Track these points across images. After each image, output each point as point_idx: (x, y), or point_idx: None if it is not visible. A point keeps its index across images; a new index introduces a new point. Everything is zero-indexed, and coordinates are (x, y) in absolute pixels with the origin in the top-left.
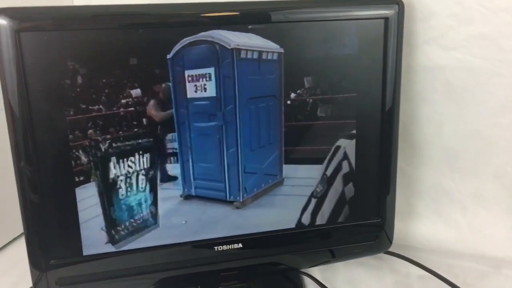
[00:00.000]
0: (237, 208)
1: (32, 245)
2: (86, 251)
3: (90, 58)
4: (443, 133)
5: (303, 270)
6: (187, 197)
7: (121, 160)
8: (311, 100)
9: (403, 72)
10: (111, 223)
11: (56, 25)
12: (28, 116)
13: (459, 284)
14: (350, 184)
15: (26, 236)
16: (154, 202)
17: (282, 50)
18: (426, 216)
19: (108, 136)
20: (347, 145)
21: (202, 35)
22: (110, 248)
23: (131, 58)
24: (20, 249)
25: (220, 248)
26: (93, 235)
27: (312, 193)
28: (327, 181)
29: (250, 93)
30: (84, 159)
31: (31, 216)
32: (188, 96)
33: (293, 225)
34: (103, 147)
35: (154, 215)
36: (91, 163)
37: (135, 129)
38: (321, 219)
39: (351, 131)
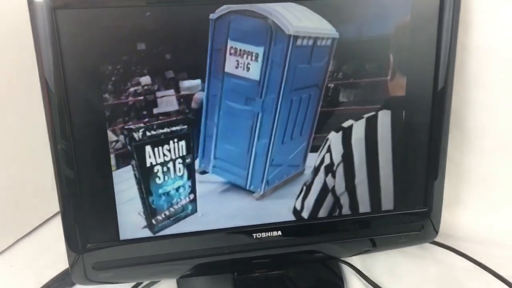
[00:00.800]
0: (256, 199)
1: (69, 227)
2: (123, 236)
3: (129, 38)
4: (497, 118)
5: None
6: (202, 172)
7: (156, 149)
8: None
9: (457, 52)
10: (150, 212)
11: (93, 2)
12: (65, 96)
13: (507, 277)
14: (393, 171)
15: (62, 217)
16: (193, 189)
17: (337, 35)
18: (474, 205)
19: (142, 125)
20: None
21: (259, 8)
22: (148, 233)
23: (173, 37)
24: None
25: (258, 235)
26: (131, 219)
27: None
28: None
29: (296, 84)
30: (120, 143)
31: (67, 198)
32: (226, 69)
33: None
34: (137, 136)
35: (193, 202)
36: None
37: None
38: (360, 207)
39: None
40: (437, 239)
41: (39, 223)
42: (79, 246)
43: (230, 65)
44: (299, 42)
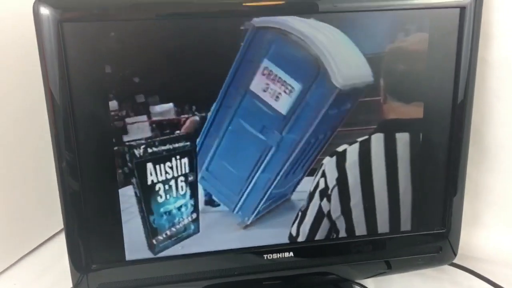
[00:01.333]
0: (242, 228)
1: (73, 245)
2: (129, 256)
3: (135, 52)
4: None
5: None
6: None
7: (157, 166)
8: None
9: (477, 66)
10: (151, 232)
11: (101, 16)
12: (70, 110)
13: None
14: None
15: (66, 234)
16: (195, 208)
17: (372, 81)
18: (494, 226)
19: (143, 141)
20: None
21: (312, 42)
22: (153, 254)
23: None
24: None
25: (269, 256)
26: (137, 239)
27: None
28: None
29: (320, 128)
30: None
31: (71, 214)
32: (251, 87)
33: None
34: (137, 153)
35: (196, 221)
36: (128, 168)
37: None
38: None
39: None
40: (456, 260)
41: (43, 241)
42: (83, 265)
43: (257, 85)
44: (342, 92)
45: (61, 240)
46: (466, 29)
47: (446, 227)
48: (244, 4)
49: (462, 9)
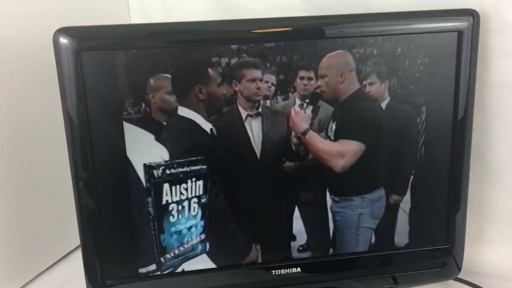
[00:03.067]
0: None
1: (89, 261)
2: (142, 271)
3: (149, 76)
4: None
5: None
6: None
7: (173, 187)
8: None
9: (476, 87)
10: (160, 250)
11: (117, 44)
12: (88, 136)
13: None
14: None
15: (82, 251)
16: (204, 229)
17: None
18: (498, 241)
19: (163, 162)
20: None
21: None
22: (163, 270)
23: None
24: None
25: (277, 272)
26: (149, 256)
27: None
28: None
29: None
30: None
31: (87, 231)
32: None
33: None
34: (156, 173)
35: (204, 242)
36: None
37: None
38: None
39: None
40: (460, 275)
41: (59, 258)
42: (98, 281)
43: None
44: None
45: (77, 257)
46: (464, 52)
47: (450, 243)
48: (253, 31)
49: (460, 33)
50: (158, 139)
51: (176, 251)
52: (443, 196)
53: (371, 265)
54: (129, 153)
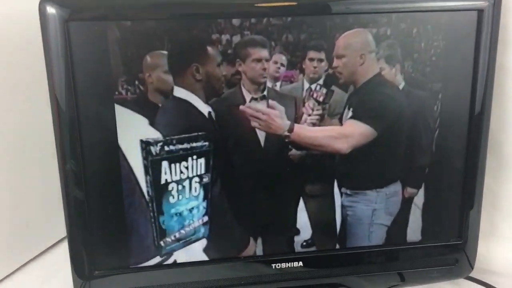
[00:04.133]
0: None
1: (76, 251)
2: (133, 263)
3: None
4: None
5: None
6: None
7: (173, 165)
8: None
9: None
10: (160, 233)
11: (110, 15)
12: (76, 113)
13: None
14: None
15: (69, 241)
16: (207, 211)
17: None
18: None
19: (161, 138)
20: None
21: None
22: (158, 260)
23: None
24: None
25: (278, 265)
26: (141, 245)
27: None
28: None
29: None
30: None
31: (75, 221)
32: None
33: None
34: (154, 150)
35: (206, 225)
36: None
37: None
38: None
39: None
40: (472, 274)
41: (47, 247)
42: (86, 272)
43: None
44: None
45: (66, 246)
46: (484, 34)
47: (463, 238)
48: (256, 5)
49: (480, 12)
50: (152, 123)
51: (177, 234)
52: (457, 189)
53: (378, 261)
54: (120, 139)
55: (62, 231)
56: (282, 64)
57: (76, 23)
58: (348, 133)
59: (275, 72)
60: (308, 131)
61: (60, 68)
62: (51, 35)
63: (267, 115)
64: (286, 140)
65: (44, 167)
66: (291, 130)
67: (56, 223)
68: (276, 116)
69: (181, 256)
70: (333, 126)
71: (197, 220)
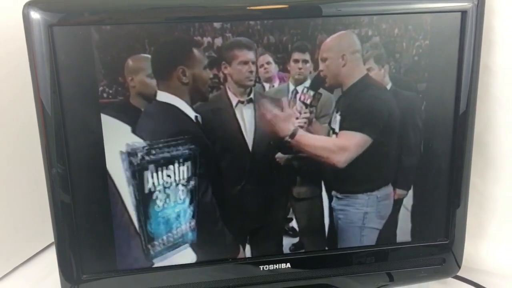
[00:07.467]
0: None
1: (63, 256)
2: (121, 266)
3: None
4: None
5: None
6: None
7: (159, 169)
8: None
9: (479, 73)
10: (147, 237)
11: (93, 20)
12: (61, 117)
13: None
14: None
15: (56, 245)
16: (194, 216)
17: None
18: (500, 237)
19: (145, 144)
20: None
21: None
22: (146, 264)
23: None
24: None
25: (266, 267)
26: (129, 249)
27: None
28: None
29: None
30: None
31: (62, 225)
32: None
33: None
34: (139, 155)
35: (194, 230)
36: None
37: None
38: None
39: None
40: (460, 273)
41: (36, 252)
42: (74, 276)
43: None
44: None
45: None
46: (468, 34)
47: (450, 238)
48: (248, 8)
49: (464, 13)
50: (134, 130)
51: (165, 239)
52: (443, 189)
53: (366, 262)
54: (106, 143)
55: (50, 236)
56: (268, 64)
57: (60, 28)
58: (344, 146)
59: (265, 74)
60: (312, 139)
61: (45, 73)
62: (36, 39)
63: (273, 116)
64: (286, 145)
65: (32, 172)
66: (293, 135)
67: (45, 228)
68: (283, 119)
69: (169, 259)
70: (328, 137)
71: (185, 224)
